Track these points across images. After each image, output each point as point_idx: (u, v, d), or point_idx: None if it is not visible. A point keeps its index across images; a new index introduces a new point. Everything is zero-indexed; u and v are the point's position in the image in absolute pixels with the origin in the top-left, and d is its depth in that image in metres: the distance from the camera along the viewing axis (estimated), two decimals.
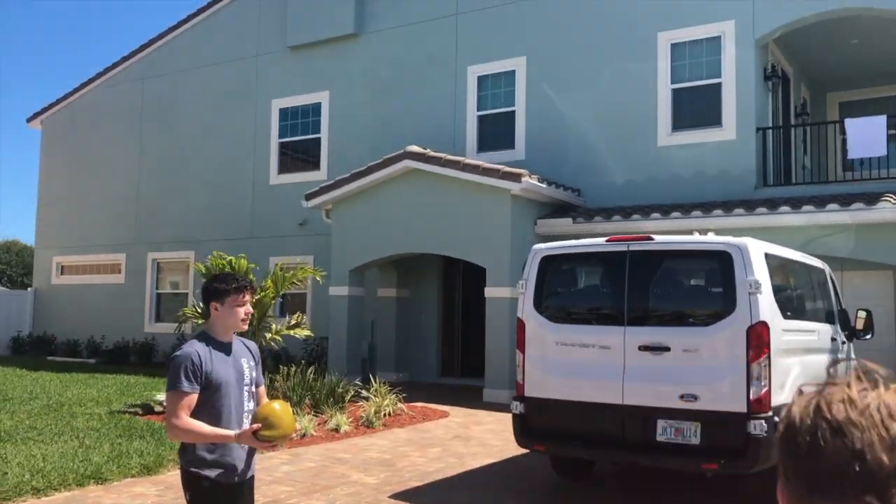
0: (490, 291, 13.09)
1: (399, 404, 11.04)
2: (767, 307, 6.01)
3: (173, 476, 6.82)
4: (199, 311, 11.29)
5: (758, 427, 5.76)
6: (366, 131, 16.92)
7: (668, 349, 6.14)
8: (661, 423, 6.07)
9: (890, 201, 11.13)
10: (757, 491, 6.46)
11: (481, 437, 9.65)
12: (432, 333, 15.86)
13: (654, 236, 6.50)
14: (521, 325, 6.86)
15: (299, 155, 18.26)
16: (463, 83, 15.80)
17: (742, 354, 5.87)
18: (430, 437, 9.62)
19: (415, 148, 13.95)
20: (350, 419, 10.14)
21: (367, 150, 16.59)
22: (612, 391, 6.27)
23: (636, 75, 13.90)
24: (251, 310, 3.68)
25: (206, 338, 3.52)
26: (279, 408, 3.30)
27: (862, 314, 8.99)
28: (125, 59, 21.17)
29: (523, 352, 6.80)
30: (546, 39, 14.90)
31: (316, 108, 17.90)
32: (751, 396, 5.82)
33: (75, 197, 21.83)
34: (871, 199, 11.34)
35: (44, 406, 10.90)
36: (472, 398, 12.99)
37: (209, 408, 3.41)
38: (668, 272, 6.57)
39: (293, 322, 11.41)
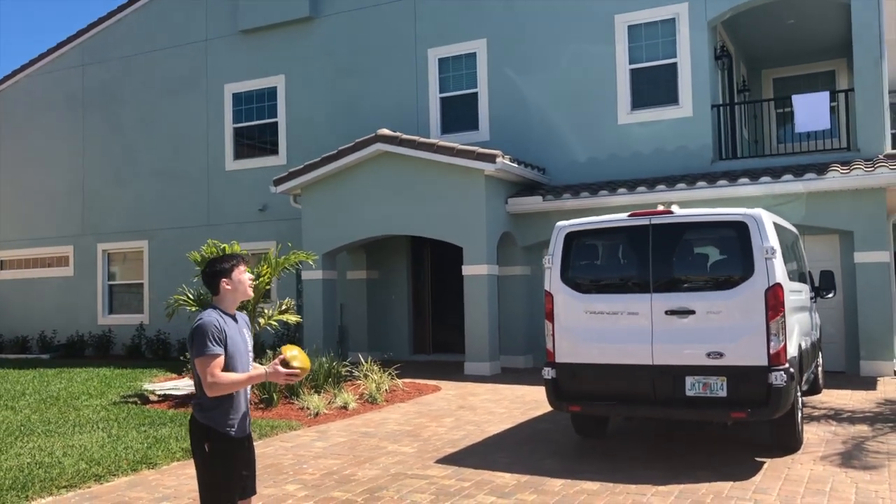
0: (468, 269, 13.55)
1: (395, 381, 11.43)
2: (780, 271, 6.70)
3: None
4: (191, 297, 11.37)
5: (778, 378, 6.45)
6: (326, 115, 17.05)
7: (693, 312, 6.76)
8: (689, 380, 6.69)
9: (837, 171, 12.12)
10: (761, 439, 7.22)
11: (485, 407, 10.15)
12: (403, 313, 16.24)
13: (674, 210, 7.09)
14: (549, 298, 7.36)
15: (256, 140, 18.21)
16: (424, 65, 16.11)
17: (761, 314, 6.54)
18: (436, 410, 10.06)
19: (386, 131, 14.22)
20: (356, 397, 10.48)
21: (328, 134, 16.77)
22: (642, 353, 6.86)
23: (595, 56, 14.52)
24: (252, 277, 4.27)
25: (218, 311, 4.04)
26: (296, 349, 3.98)
27: (825, 274, 9.90)
28: (61, 45, 20.50)
29: (552, 322, 7.31)
30: (506, 22, 15.35)
31: (271, 92, 17.87)
32: (770, 351, 6.49)
33: (15, 189, 21.12)
34: (821, 169, 12.31)
35: (39, 401, 10.81)
36: (452, 372, 13.48)
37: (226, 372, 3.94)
38: (688, 242, 7.18)
39: (284, 307, 11.60)
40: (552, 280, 7.36)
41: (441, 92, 15.97)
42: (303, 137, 17.20)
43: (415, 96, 16.17)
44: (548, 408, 9.81)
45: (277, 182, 15.27)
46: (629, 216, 7.23)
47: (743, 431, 8.07)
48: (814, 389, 10.06)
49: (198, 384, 3.98)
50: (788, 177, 12.30)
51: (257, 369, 3.98)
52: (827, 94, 13.34)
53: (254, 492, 4.14)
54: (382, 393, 10.81)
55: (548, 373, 7.28)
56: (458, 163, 13.46)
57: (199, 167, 18.58)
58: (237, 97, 18.29)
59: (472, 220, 13.52)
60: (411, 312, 16.37)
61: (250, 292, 4.21)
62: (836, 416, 8.86)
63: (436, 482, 6.50)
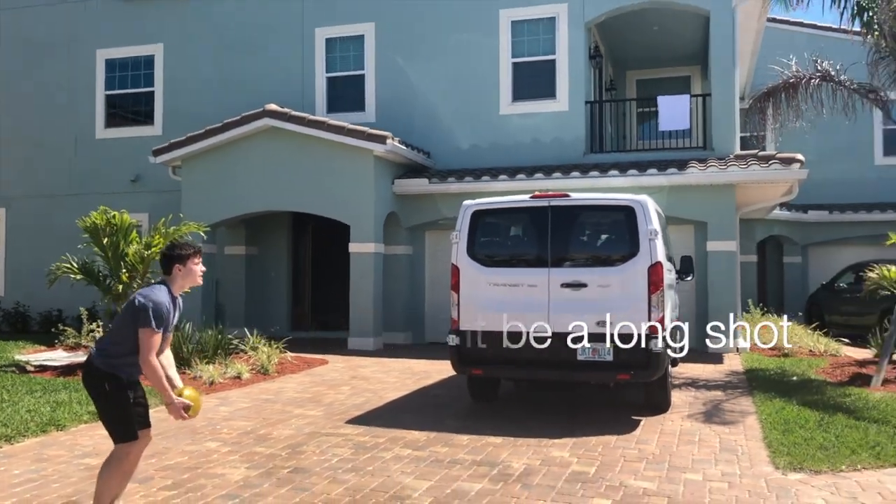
0: (355, 247, 13.88)
1: (284, 354, 11.63)
2: (661, 251, 7.57)
3: None
4: (75, 265, 11.07)
5: (657, 344, 7.31)
6: (207, 87, 16.78)
7: (585, 285, 7.51)
8: (580, 345, 7.44)
9: (696, 168, 13.41)
10: (633, 400, 8.11)
11: (377, 377, 10.58)
12: (282, 289, 16.34)
13: (570, 194, 7.82)
14: (455, 270, 7.92)
15: (130, 109, 17.64)
16: (311, 44, 16.21)
17: (644, 288, 7.38)
18: (330, 380, 10.39)
19: (274, 106, 14.27)
20: (249, 368, 10.62)
21: (210, 106, 16.52)
22: (539, 321, 7.53)
23: (480, 47, 15.19)
24: (204, 268, 4.78)
25: (168, 289, 4.57)
26: (195, 397, 4.57)
27: (685, 259, 11.02)
28: None
29: (458, 293, 7.87)
30: (395, 7, 15.72)
31: (148, 60, 17.36)
32: (651, 320, 7.34)
33: None
34: (682, 165, 13.56)
35: None
36: (335, 347, 13.77)
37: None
38: (583, 223, 7.93)
39: None
40: (458, 254, 7.92)
41: (328, 71, 16.14)
42: (182, 109, 16.85)
43: (301, 74, 16.25)
44: (438, 377, 10.46)
45: (157, 153, 14.96)
46: (531, 198, 7.89)
47: (618, 395, 8.98)
48: (672, 362, 11.18)
49: (112, 335, 4.57)
50: (653, 171, 13.48)
51: (170, 390, 4.46)
52: (688, 96, 14.68)
53: (149, 424, 4.69)
54: (273, 365, 11.00)
55: (452, 339, 7.84)
56: (348, 142, 13.74)
57: (66, 134, 17.76)
58: (110, 63, 17.62)
59: (360, 199, 13.85)
60: (291, 289, 16.49)
61: (199, 281, 4.73)
62: (694, 384, 9.96)
63: (351, 439, 6.91)
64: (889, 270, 11.70)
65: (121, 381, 4.47)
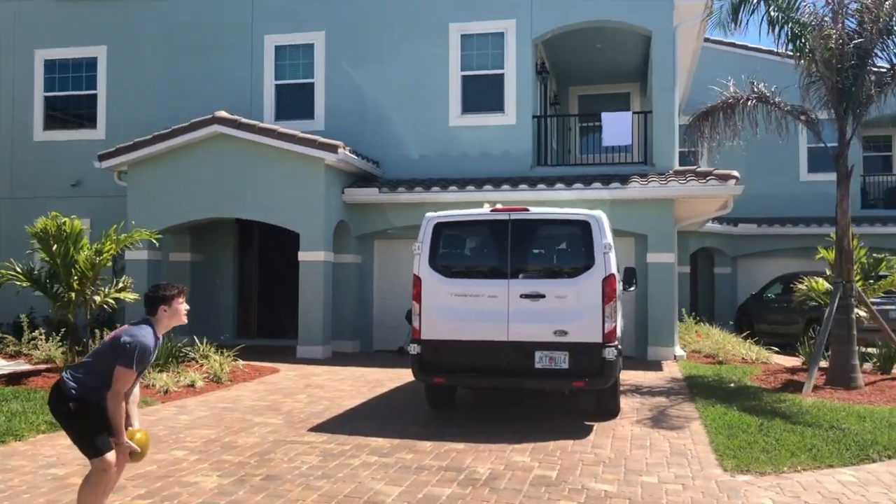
0: (304, 255, 13.93)
1: (235, 362, 11.63)
2: (614, 263, 7.93)
3: None
4: (20, 271, 10.86)
5: (610, 353, 7.66)
6: (153, 91, 16.59)
7: (543, 296, 7.81)
8: (538, 354, 7.74)
9: (637, 183, 13.92)
10: (583, 407, 8.45)
11: (331, 385, 10.69)
12: (228, 297, 16.24)
13: (529, 208, 8.12)
14: (417, 281, 8.11)
15: (71, 112, 17.28)
16: (260, 51, 16.20)
17: (599, 299, 7.73)
18: (285, 388, 10.45)
19: (224, 113, 14.23)
20: (202, 376, 10.60)
21: (155, 111, 16.37)
22: (499, 331, 7.81)
23: (430, 59, 15.44)
24: (188, 307, 4.92)
25: (153, 331, 4.64)
26: (144, 442, 4.69)
27: (629, 270, 11.47)
28: None
29: (419, 303, 8.07)
30: (345, 17, 15.85)
31: (91, 62, 17.06)
32: (605, 330, 7.69)
33: None
34: (624, 179, 14.07)
35: None
36: (283, 356, 13.79)
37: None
38: (541, 236, 8.24)
39: (121, 286, 11.40)
40: (420, 265, 8.12)
41: (277, 79, 16.16)
42: (126, 112, 16.61)
43: (249, 80, 16.22)
44: (391, 385, 10.63)
45: (102, 157, 14.73)
46: (491, 211, 8.17)
47: (570, 401, 9.32)
48: None
49: (90, 365, 4.55)
50: (597, 185, 13.94)
51: (124, 432, 4.54)
52: (630, 113, 15.22)
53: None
54: (226, 373, 10.99)
55: (413, 348, 8.03)
56: (300, 150, 13.80)
57: (2, 136, 17.30)
58: (50, 64, 17.25)
59: (310, 207, 13.92)
60: (236, 296, 16.41)
61: (184, 319, 4.84)
62: (639, 390, 10.39)
63: (317, 446, 7.03)
64: (817, 283, 12.42)
65: (87, 402, 4.50)
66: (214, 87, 16.21)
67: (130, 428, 4.67)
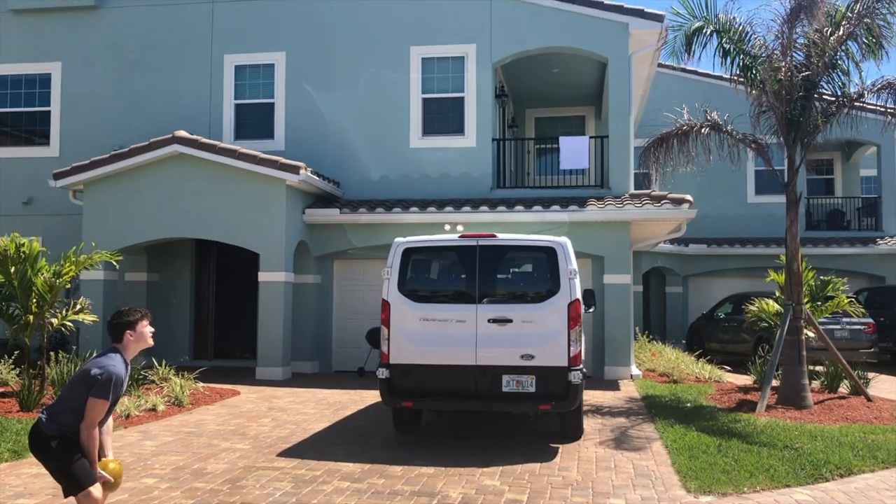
0: (265, 276, 13.88)
1: (196, 385, 11.53)
2: (579, 288, 8.13)
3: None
4: None
5: (576, 376, 7.85)
6: (110, 109, 16.39)
7: (510, 321, 7.97)
8: (505, 378, 7.88)
9: (595, 206, 14.24)
10: (546, 429, 8.61)
11: (295, 409, 10.66)
12: (185, 317, 16.07)
13: (497, 234, 8.29)
14: (386, 306, 8.19)
15: (23, 128, 16.96)
16: (219, 70, 16.15)
17: (564, 323, 7.91)
18: (248, 411, 10.40)
19: (184, 133, 14.14)
20: (163, 399, 10.49)
21: (111, 129, 16.21)
22: (467, 355, 7.94)
23: (391, 82, 15.59)
24: (153, 329, 4.95)
25: (122, 357, 4.66)
26: (117, 473, 4.69)
27: (587, 292, 11.72)
28: None
29: (388, 327, 8.15)
30: (306, 38, 15.92)
31: (45, 79, 16.79)
32: (571, 354, 7.88)
33: None
34: (582, 202, 14.36)
35: None
36: (242, 377, 13.70)
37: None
38: (508, 262, 8.41)
39: (79, 307, 11.22)
40: (390, 290, 8.21)
41: (237, 98, 16.11)
42: (81, 130, 16.38)
43: (208, 100, 16.14)
44: (355, 408, 10.66)
45: (58, 176, 14.48)
46: (460, 237, 8.31)
47: (533, 423, 9.47)
48: None
49: (63, 402, 4.54)
50: (556, 207, 14.21)
51: (97, 463, 4.54)
52: (587, 138, 15.56)
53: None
54: (187, 396, 10.89)
55: (382, 372, 8.10)
56: (261, 171, 13.79)
57: None
58: (2, 80, 16.92)
59: (271, 227, 13.89)
60: (193, 317, 16.24)
61: (150, 342, 4.84)
62: (599, 411, 10.60)
63: (288, 472, 7.05)
64: (767, 304, 12.84)
65: (68, 439, 4.50)
66: (172, 106, 16.10)
67: (104, 458, 4.66)
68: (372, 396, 11.47)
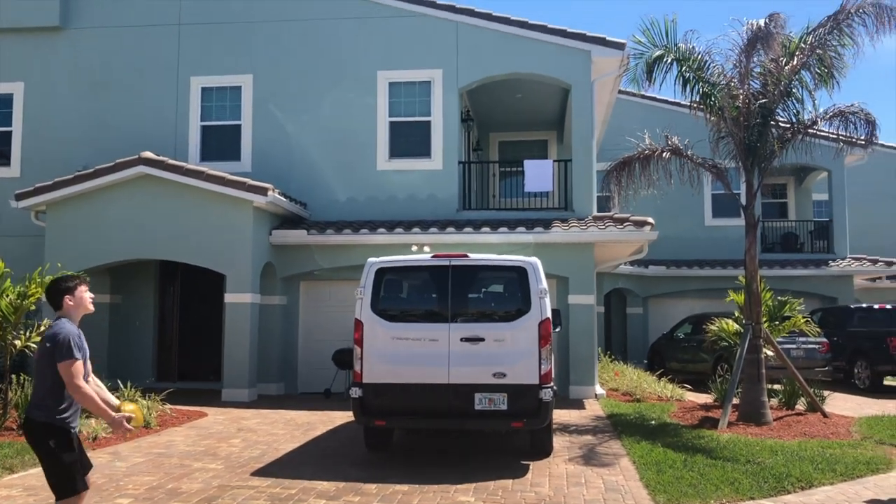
0: (231, 297, 13.85)
1: (162, 406, 11.43)
2: (549, 307, 8.33)
3: (24, 477, 6.97)
4: None
5: (546, 394, 8.01)
6: (74, 130, 16.27)
7: (482, 339, 8.12)
8: (478, 396, 8.01)
9: (559, 227, 14.51)
10: (514, 446, 8.76)
11: (264, 429, 10.64)
12: (148, 339, 15.91)
13: (469, 254, 8.46)
14: (359, 325, 8.27)
15: None
16: (186, 92, 16.15)
17: (535, 342, 8.09)
18: (217, 432, 10.35)
19: (150, 154, 14.11)
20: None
21: (74, 149, 16.09)
22: (440, 374, 8.05)
23: (359, 105, 15.75)
24: (92, 295, 5.07)
25: (69, 322, 4.81)
26: (136, 410, 4.91)
27: (553, 312, 11.94)
28: None
29: (361, 347, 8.23)
30: (274, 61, 16.02)
31: (6, 99, 16.63)
32: (541, 372, 8.05)
33: None
34: (547, 224, 14.64)
35: None
36: (208, 399, 13.59)
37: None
38: (480, 281, 8.58)
39: (42, 329, 11.07)
40: (363, 309, 8.30)
41: (203, 120, 16.12)
42: (44, 151, 16.22)
43: (174, 121, 16.12)
44: (324, 428, 10.69)
45: (20, 196, 14.32)
46: (432, 257, 8.46)
47: (503, 440, 9.61)
48: None
49: (39, 387, 4.67)
50: (522, 229, 14.45)
51: (109, 409, 4.70)
52: (551, 161, 15.89)
53: (91, 466, 4.87)
54: (155, 418, 10.81)
55: (355, 392, 8.16)
56: (228, 192, 13.79)
57: None
58: None
59: (238, 249, 13.88)
60: (156, 339, 16.08)
61: (90, 307, 4.96)
62: (566, 429, 10.77)
63: (264, 491, 7.07)
64: (728, 324, 13.19)
65: (66, 435, 4.60)
66: (137, 128, 16.03)
67: (113, 406, 4.77)
68: (340, 417, 11.50)
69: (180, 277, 16.34)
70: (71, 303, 4.80)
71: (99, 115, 16.26)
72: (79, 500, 4.65)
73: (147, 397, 11.41)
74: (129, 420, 4.69)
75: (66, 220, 14.25)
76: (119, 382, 12.05)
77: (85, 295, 4.89)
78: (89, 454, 8.55)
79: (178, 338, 16.38)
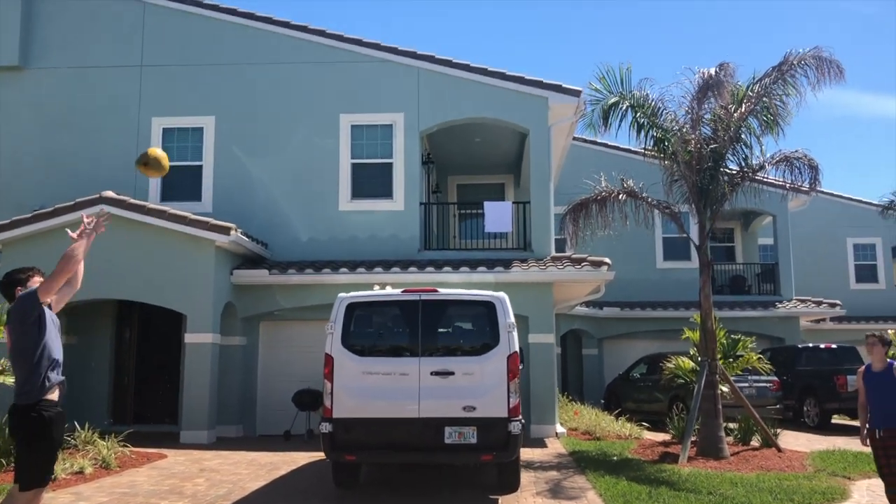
0: (191, 338, 13.72)
1: (124, 448, 11.23)
2: (517, 342, 8.51)
3: None
4: None
5: (515, 427, 8.15)
6: (32, 168, 16.12)
7: (452, 373, 8.24)
8: (447, 430, 8.10)
9: (519, 267, 14.79)
10: (481, 481, 8.86)
11: (227, 469, 10.53)
12: (104, 381, 15.59)
13: (438, 289, 8.62)
14: (329, 360, 8.33)
15: None
16: (147, 132, 16.16)
17: (504, 375, 8.24)
18: (179, 473, 10.21)
19: (111, 193, 14.04)
20: (91, 462, 10.19)
21: (30, 188, 15.93)
22: (410, 408, 8.13)
23: (321, 147, 15.95)
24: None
25: None
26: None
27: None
28: None
29: (331, 381, 8.28)
30: (237, 103, 16.16)
31: None
32: (510, 405, 8.19)
33: None
34: (507, 264, 14.90)
35: None
36: (166, 441, 13.36)
37: (53, 347, 5.12)
38: (450, 316, 8.73)
39: (1, 368, 10.87)
40: (333, 344, 8.37)
41: None
42: (2, 189, 16.00)
43: (134, 160, 16.03)
44: (288, 468, 10.63)
45: None
46: (402, 292, 8.60)
47: (469, 475, 9.68)
48: None
49: (18, 369, 5.01)
50: (483, 268, 14.69)
51: (82, 240, 5.21)
52: (510, 203, 16.23)
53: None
54: (114, 459, 10.61)
55: (325, 427, 8.18)
56: (190, 231, 13.77)
57: None
58: None
59: (199, 289, 13.81)
60: (112, 381, 15.78)
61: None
62: (531, 465, 10.87)
63: None
64: (684, 362, 13.55)
65: (45, 422, 4.79)
66: (96, 167, 15.95)
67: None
68: (303, 458, 11.44)
69: (137, 318, 16.13)
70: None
71: (58, 155, 16.15)
72: (35, 497, 4.70)
73: (105, 438, 11.22)
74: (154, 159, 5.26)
75: (24, 259, 13.87)
76: (76, 424, 11.84)
77: (37, 286, 5.04)
78: (50, 494, 8.43)
79: (134, 379, 16.10)
